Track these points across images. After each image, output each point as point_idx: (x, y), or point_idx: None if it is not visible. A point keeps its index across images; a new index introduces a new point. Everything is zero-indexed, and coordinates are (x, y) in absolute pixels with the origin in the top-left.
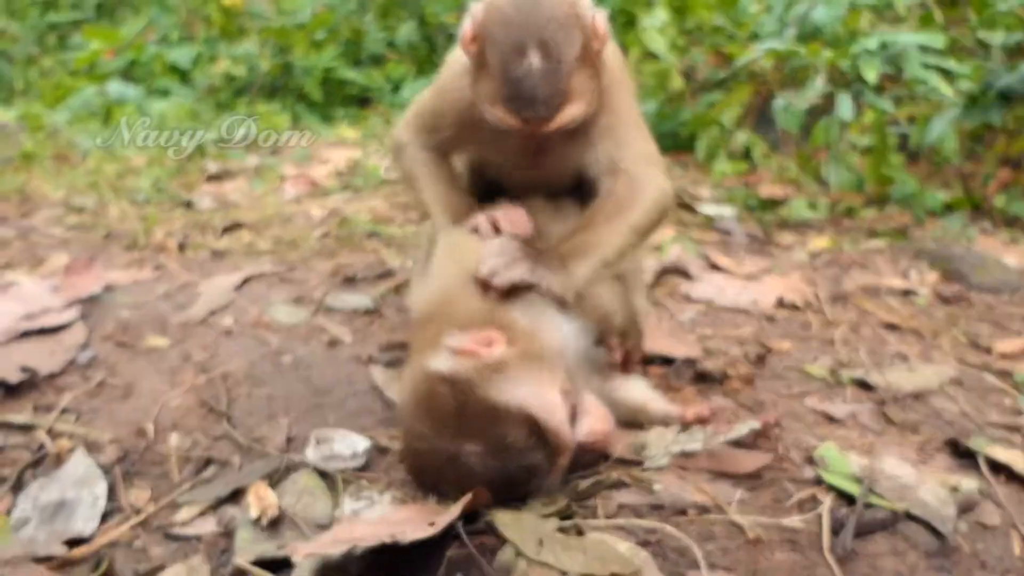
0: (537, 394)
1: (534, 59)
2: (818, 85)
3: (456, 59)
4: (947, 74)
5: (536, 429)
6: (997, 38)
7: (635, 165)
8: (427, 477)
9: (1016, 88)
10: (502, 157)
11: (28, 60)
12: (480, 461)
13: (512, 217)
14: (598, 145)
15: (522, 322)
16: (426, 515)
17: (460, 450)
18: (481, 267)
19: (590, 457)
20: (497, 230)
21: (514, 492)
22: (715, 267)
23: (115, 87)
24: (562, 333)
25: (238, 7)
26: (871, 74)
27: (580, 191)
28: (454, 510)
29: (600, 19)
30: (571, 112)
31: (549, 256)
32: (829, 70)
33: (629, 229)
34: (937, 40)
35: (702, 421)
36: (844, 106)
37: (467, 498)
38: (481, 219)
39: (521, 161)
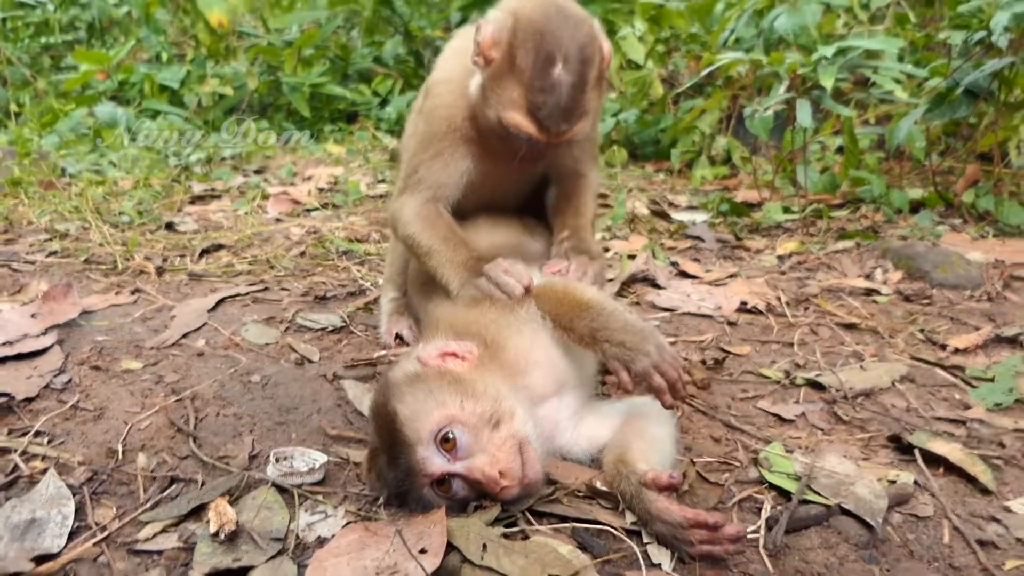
0: (417, 410)
1: (564, 74)
2: (781, 92)
3: (443, 80)
4: (910, 76)
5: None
6: (958, 37)
7: (588, 168)
8: (372, 472)
9: (981, 85)
10: (489, 165)
11: (22, 82)
12: (385, 463)
13: (515, 272)
14: (570, 152)
15: (507, 341)
16: (384, 533)
17: (377, 451)
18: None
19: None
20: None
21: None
22: (683, 274)
23: (104, 109)
24: (549, 353)
25: (226, 27)
26: (828, 81)
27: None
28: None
29: (607, 45)
30: (582, 126)
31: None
32: (791, 77)
33: (590, 220)
34: (893, 44)
35: (663, 488)
36: (803, 112)
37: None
38: (491, 288)
39: (508, 167)
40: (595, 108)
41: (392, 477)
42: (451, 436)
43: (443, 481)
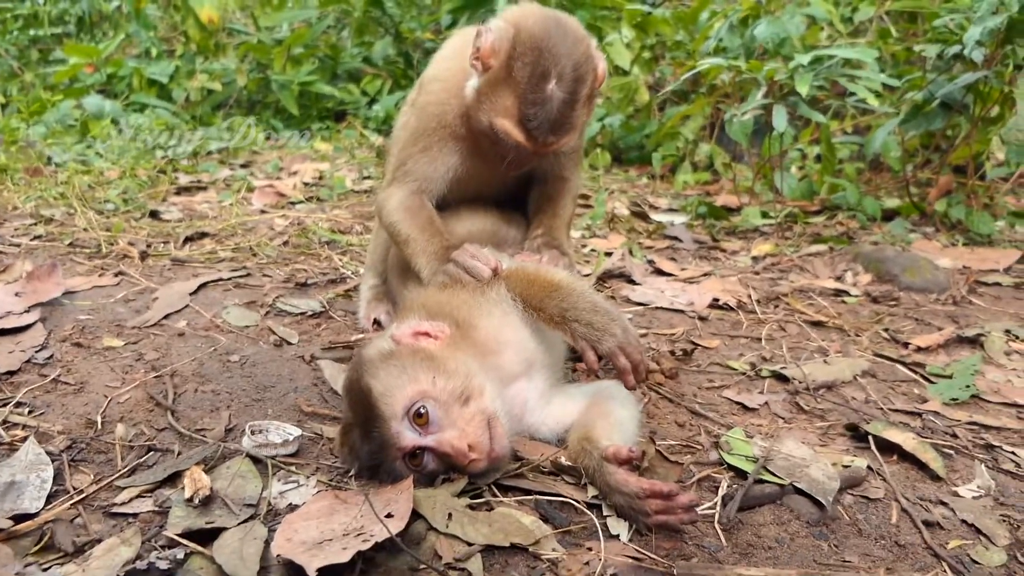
0: (390, 385)
1: (558, 90)
2: (759, 97)
3: (438, 77)
4: (888, 87)
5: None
6: (933, 50)
7: (571, 173)
8: (345, 446)
9: (956, 98)
10: (476, 163)
11: (10, 74)
12: (358, 437)
13: (481, 257)
14: (555, 160)
15: (477, 322)
16: (353, 501)
17: (350, 426)
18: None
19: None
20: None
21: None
22: (659, 271)
23: (92, 101)
24: (518, 334)
25: (216, 24)
26: (804, 87)
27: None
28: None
29: (603, 64)
30: (569, 140)
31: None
32: (769, 83)
33: (566, 221)
34: (869, 55)
35: (623, 462)
36: (779, 118)
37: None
38: (459, 272)
39: (494, 168)
40: (583, 123)
41: (366, 450)
42: (423, 411)
43: (414, 454)
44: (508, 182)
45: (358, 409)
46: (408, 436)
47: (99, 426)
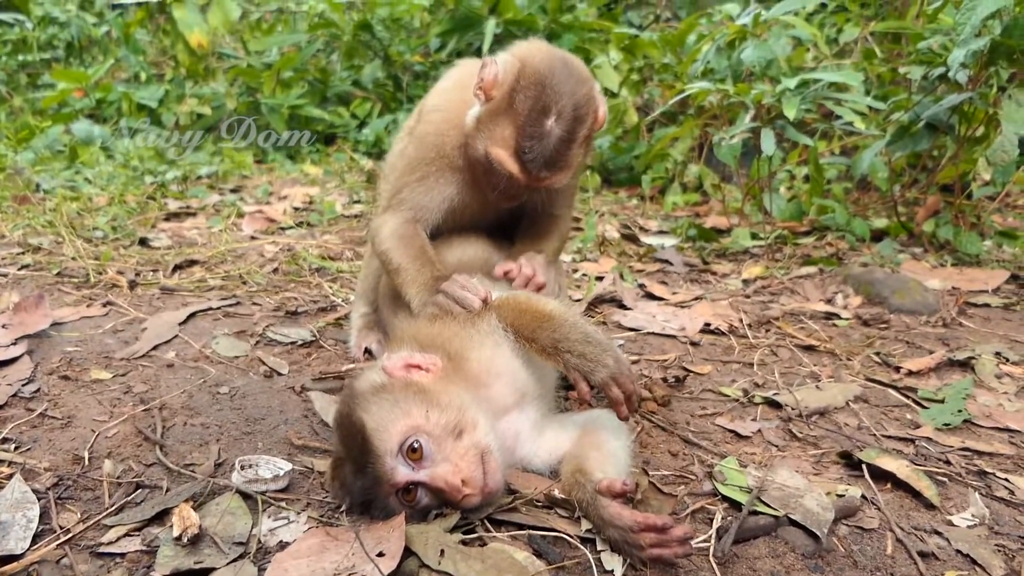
0: (383, 420)
1: (556, 127)
2: (747, 121)
3: (438, 107)
4: (874, 109)
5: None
6: (918, 72)
7: (563, 211)
8: (336, 480)
9: (941, 119)
10: (472, 196)
11: None
12: (350, 472)
13: (471, 287)
14: (548, 196)
15: (469, 354)
16: (344, 538)
17: (341, 460)
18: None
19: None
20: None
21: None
22: (650, 296)
23: (81, 126)
24: (510, 365)
25: (206, 48)
26: (791, 111)
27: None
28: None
29: (603, 108)
30: (562, 177)
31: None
32: (757, 107)
33: (549, 255)
34: (855, 78)
35: (617, 495)
36: (767, 141)
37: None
38: (449, 303)
39: (489, 201)
40: (578, 163)
41: (358, 486)
42: (417, 445)
43: (408, 489)
44: (503, 215)
45: (350, 444)
46: (402, 472)
47: (86, 462)
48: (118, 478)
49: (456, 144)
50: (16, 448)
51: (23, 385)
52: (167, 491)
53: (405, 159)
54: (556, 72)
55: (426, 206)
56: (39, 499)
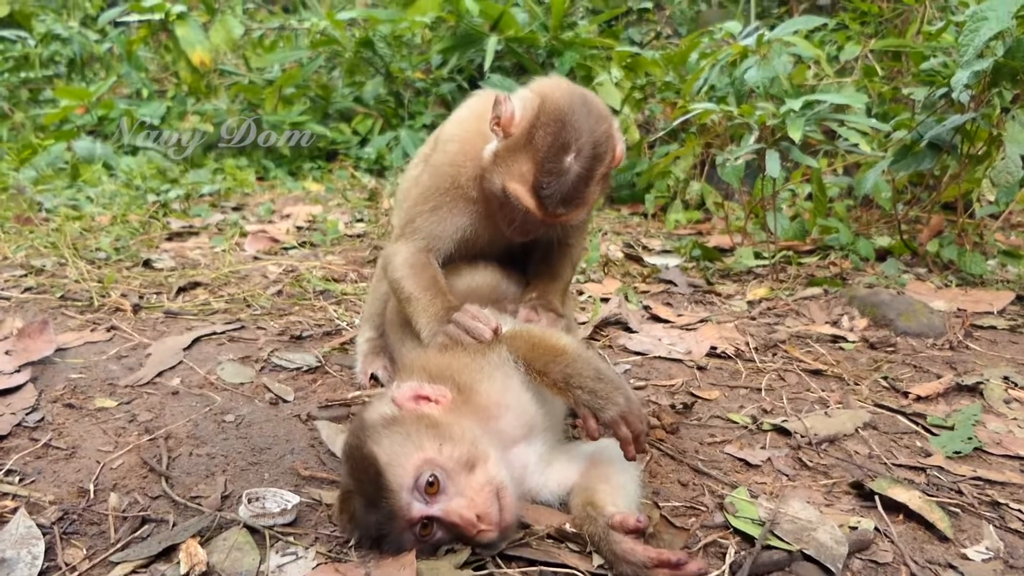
0: (396, 453)
1: (575, 164)
2: (751, 142)
3: (454, 138)
4: (876, 129)
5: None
6: (921, 93)
7: (576, 241)
8: (345, 514)
9: (944, 139)
10: (485, 228)
11: (0, 116)
12: (361, 506)
13: (482, 318)
14: (563, 229)
15: (479, 386)
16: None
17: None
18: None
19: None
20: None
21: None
22: (655, 318)
23: (83, 144)
24: (520, 398)
25: (207, 65)
26: (796, 133)
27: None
28: None
29: (621, 146)
30: (579, 214)
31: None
32: (761, 128)
33: (563, 286)
34: (859, 100)
35: (630, 531)
36: (772, 163)
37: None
38: (460, 333)
39: (503, 233)
40: (595, 200)
41: (372, 520)
42: (433, 480)
43: (425, 524)
44: (515, 246)
45: (362, 478)
46: (417, 507)
47: (92, 495)
48: (124, 512)
49: (471, 175)
50: (20, 480)
51: (27, 414)
52: (173, 525)
53: (420, 188)
54: (576, 109)
55: (439, 236)
56: (44, 534)
